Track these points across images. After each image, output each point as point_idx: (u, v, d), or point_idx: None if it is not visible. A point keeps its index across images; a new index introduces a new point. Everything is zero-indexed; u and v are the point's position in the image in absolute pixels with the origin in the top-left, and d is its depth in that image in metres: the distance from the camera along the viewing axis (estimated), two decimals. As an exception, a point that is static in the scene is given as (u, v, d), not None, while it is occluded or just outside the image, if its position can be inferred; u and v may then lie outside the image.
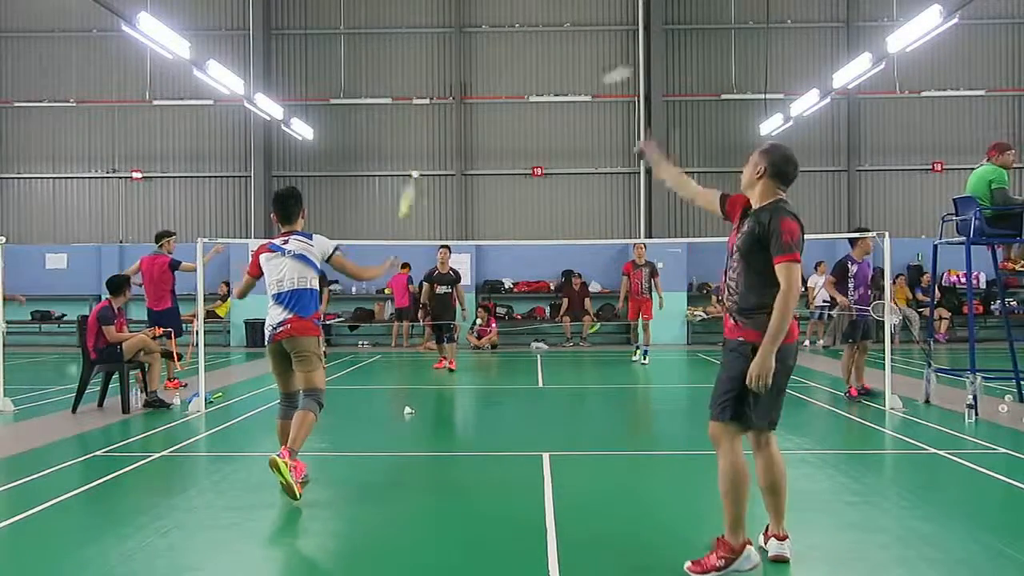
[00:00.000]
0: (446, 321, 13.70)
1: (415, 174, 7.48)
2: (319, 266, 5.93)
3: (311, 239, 5.96)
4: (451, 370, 13.52)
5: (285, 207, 6.02)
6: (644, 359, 14.57)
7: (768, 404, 4.09)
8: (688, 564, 4.11)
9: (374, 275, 6.58)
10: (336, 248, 6.06)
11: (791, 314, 3.95)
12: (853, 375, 10.10)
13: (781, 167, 4.16)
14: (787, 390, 4.20)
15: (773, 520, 4.27)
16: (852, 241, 10.30)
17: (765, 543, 4.32)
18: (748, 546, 4.05)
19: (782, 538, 4.23)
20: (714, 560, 4.03)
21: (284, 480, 5.35)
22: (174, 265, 11.45)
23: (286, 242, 5.92)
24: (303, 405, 5.76)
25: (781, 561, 4.19)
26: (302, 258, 5.87)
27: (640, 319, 14.77)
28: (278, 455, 5.45)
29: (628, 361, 15.20)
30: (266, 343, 5.91)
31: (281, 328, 5.76)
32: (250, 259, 6.16)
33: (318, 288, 5.95)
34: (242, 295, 6.26)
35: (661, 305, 14.78)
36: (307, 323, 5.79)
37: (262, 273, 5.99)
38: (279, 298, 5.83)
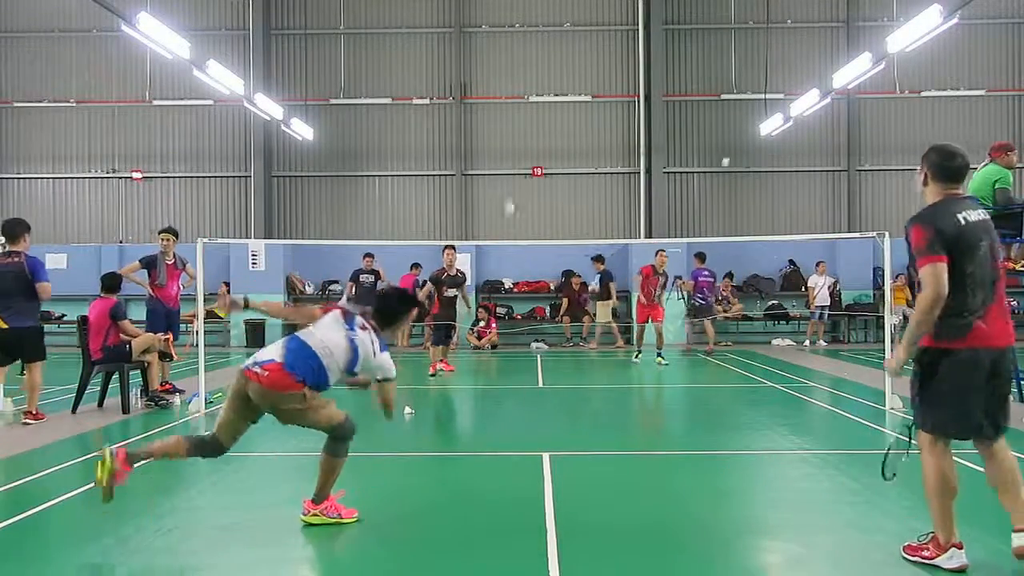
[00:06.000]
0: (451, 323, 13.11)
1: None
2: (358, 363, 5.05)
3: (374, 334, 5.12)
4: (449, 371, 13.12)
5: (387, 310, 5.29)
6: (662, 359, 14.44)
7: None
8: (904, 545, 4.39)
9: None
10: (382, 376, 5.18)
11: (921, 315, 4.08)
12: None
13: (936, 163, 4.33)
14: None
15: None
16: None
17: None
18: (954, 548, 4.18)
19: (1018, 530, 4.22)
20: (924, 551, 4.29)
21: (102, 477, 4.74)
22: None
23: (364, 328, 5.08)
24: (325, 448, 5.03)
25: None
26: (351, 342, 5.00)
27: (651, 323, 14.82)
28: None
29: (628, 362, 15.18)
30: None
31: (257, 370, 4.79)
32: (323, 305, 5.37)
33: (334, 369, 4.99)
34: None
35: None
36: (288, 378, 4.78)
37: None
38: (291, 341, 4.97)
